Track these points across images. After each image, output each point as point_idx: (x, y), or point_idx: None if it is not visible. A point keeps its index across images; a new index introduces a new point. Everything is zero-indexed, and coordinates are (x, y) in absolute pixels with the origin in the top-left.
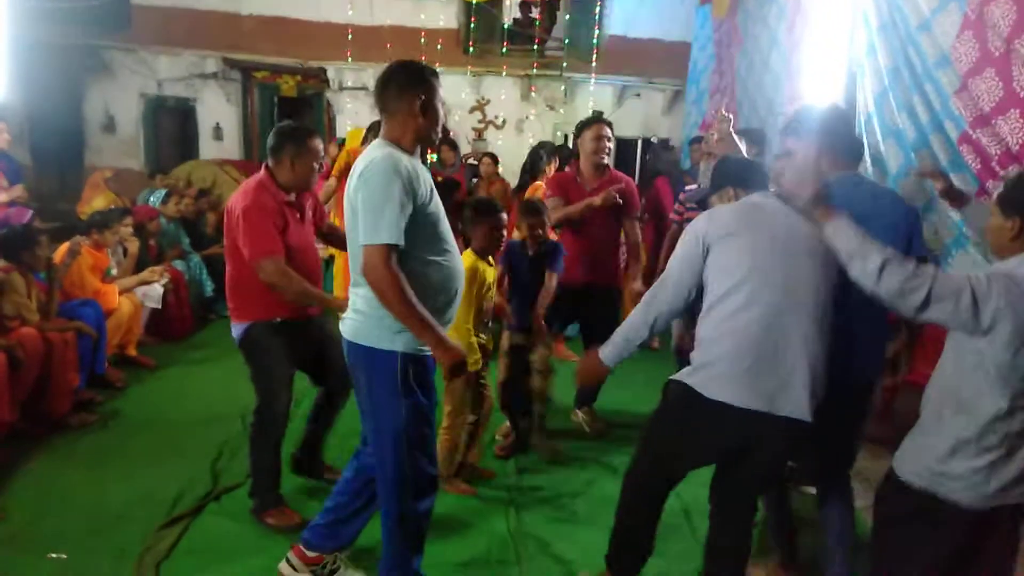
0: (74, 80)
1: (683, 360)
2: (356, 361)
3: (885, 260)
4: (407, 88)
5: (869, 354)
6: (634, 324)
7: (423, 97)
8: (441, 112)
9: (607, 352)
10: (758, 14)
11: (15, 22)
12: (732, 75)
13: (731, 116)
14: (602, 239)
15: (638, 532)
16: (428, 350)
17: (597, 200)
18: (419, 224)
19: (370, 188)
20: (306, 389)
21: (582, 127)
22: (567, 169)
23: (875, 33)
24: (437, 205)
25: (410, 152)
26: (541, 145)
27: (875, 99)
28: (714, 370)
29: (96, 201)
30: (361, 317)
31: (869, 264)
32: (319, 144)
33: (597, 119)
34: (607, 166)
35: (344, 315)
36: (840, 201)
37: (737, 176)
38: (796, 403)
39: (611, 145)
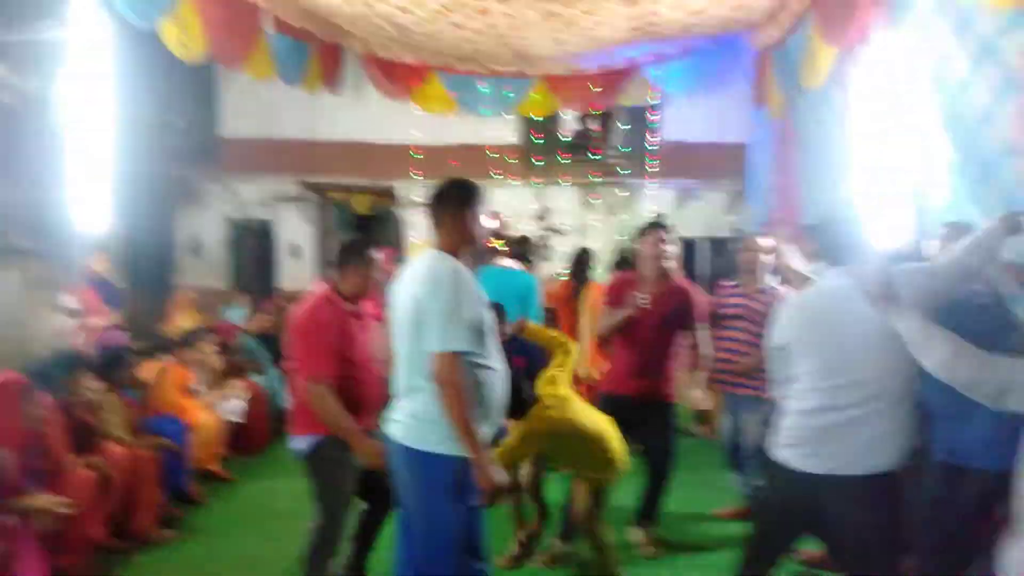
0: (167, 208)
1: (736, 456)
2: (409, 465)
3: (953, 351)
4: (460, 202)
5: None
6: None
7: (471, 210)
8: (482, 227)
9: None
10: (814, 114)
11: (118, 158)
12: (793, 173)
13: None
14: (654, 350)
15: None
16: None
17: (623, 312)
18: (477, 330)
19: (441, 297)
20: None
21: (641, 232)
22: (628, 273)
23: (939, 128)
24: (487, 313)
25: (462, 260)
26: (584, 251)
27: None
28: (795, 443)
29: (181, 320)
30: (415, 422)
31: (935, 355)
32: (379, 255)
33: (655, 224)
34: (669, 273)
35: (392, 418)
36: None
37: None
38: (857, 461)
39: (672, 248)
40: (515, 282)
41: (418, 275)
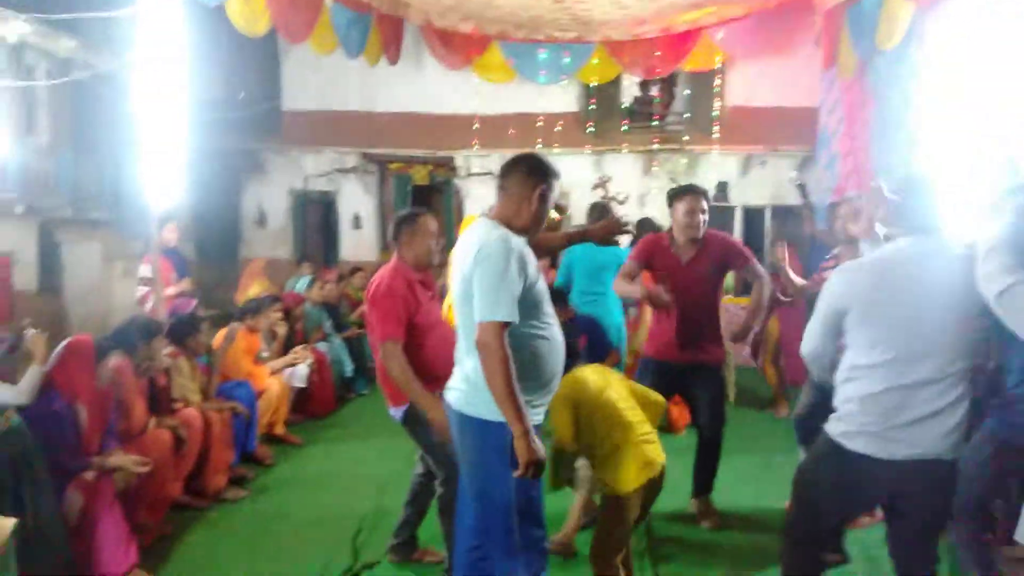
0: (232, 181)
1: (805, 429)
2: (464, 430)
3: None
4: (532, 175)
5: None
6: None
7: (543, 188)
8: (548, 211)
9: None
10: (889, 74)
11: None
12: (865, 137)
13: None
14: (695, 314)
15: None
16: (537, 420)
17: (645, 295)
18: (528, 301)
19: (487, 267)
20: (394, 473)
21: (673, 196)
22: (661, 235)
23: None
24: (543, 283)
25: (518, 233)
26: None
27: None
28: (851, 423)
29: (252, 289)
30: (470, 387)
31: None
32: (431, 222)
33: (690, 189)
34: (703, 236)
35: (450, 385)
36: None
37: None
38: (930, 444)
39: (705, 217)
40: (605, 255)
41: (469, 244)
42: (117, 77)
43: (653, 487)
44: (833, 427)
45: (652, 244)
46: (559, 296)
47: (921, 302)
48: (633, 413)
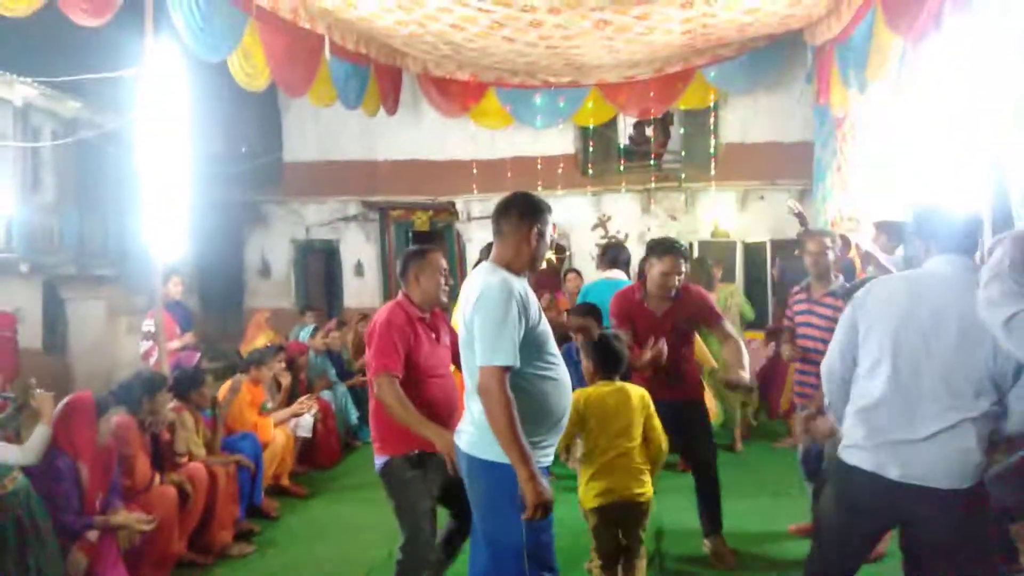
0: (235, 232)
1: (810, 464)
2: (473, 474)
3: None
4: (525, 217)
5: None
6: (826, 393)
7: (538, 227)
8: (547, 246)
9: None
10: (878, 108)
11: (189, 188)
12: (860, 169)
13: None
14: (673, 356)
15: None
16: (545, 462)
17: (645, 362)
18: (533, 343)
19: (487, 312)
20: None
21: (651, 251)
22: (632, 288)
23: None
24: (546, 324)
25: (519, 274)
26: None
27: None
28: (849, 436)
29: (258, 340)
30: (478, 431)
31: (998, 314)
32: (440, 259)
33: (670, 250)
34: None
35: (460, 428)
36: None
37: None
38: (924, 468)
39: (681, 276)
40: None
41: (471, 288)
42: (121, 135)
43: (622, 514)
44: (840, 445)
45: (626, 302)
46: (593, 311)
47: (931, 322)
48: (622, 440)
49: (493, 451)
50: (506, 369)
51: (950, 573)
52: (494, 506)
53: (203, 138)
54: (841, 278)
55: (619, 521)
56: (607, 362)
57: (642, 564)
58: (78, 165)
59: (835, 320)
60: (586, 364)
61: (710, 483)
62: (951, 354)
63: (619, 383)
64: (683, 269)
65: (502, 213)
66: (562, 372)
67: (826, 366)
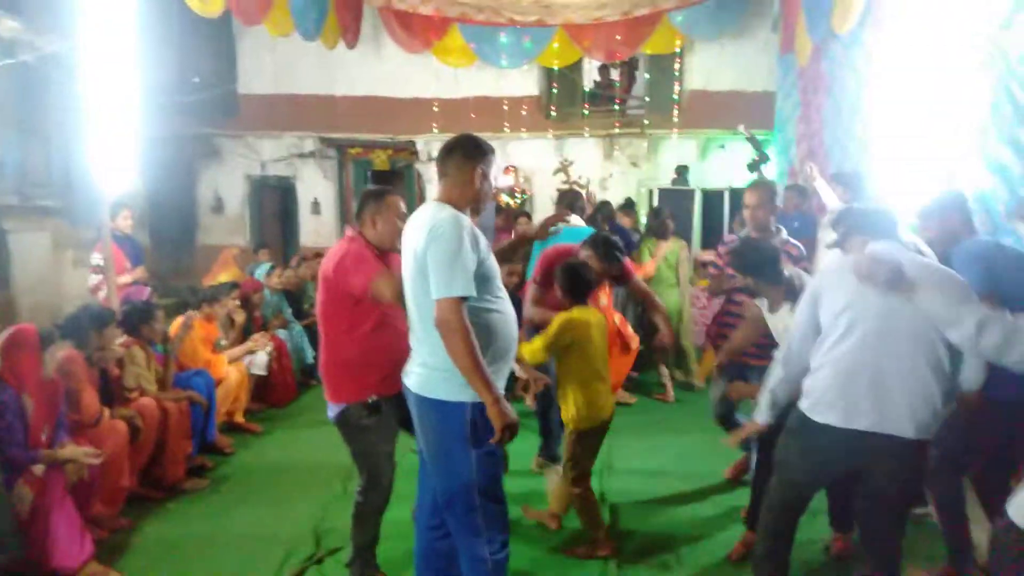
0: (188, 166)
1: (720, 413)
2: (423, 413)
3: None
4: (470, 158)
5: None
6: (775, 379)
7: (481, 168)
8: (491, 186)
9: (763, 416)
10: (844, 59)
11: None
12: (820, 121)
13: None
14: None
15: (776, 556)
16: (500, 391)
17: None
18: (481, 276)
19: (440, 245)
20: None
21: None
22: (568, 249)
23: (973, 69)
24: (493, 260)
25: (463, 212)
26: (605, 203)
27: (978, 134)
28: (818, 396)
29: (221, 277)
30: (426, 370)
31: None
32: (400, 202)
33: (601, 240)
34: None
35: (408, 369)
36: (984, 267)
37: (865, 226)
38: (894, 421)
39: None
40: (575, 238)
41: (419, 225)
42: (65, 59)
43: (601, 433)
44: (803, 402)
45: (553, 264)
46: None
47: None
48: (603, 363)
49: (441, 389)
50: (463, 300)
51: (888, 517)
52: (445, 444)
53: (153, 66)
54: (784, 231)
55: (598, 438)
56: (577, 288)
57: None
58: (19, 89)
59: None
60: (559, 294)
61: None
62: (914, 312)
63: (592, 308)
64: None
65: (447, 154)
66: (507, 306)
67: (783, 359)
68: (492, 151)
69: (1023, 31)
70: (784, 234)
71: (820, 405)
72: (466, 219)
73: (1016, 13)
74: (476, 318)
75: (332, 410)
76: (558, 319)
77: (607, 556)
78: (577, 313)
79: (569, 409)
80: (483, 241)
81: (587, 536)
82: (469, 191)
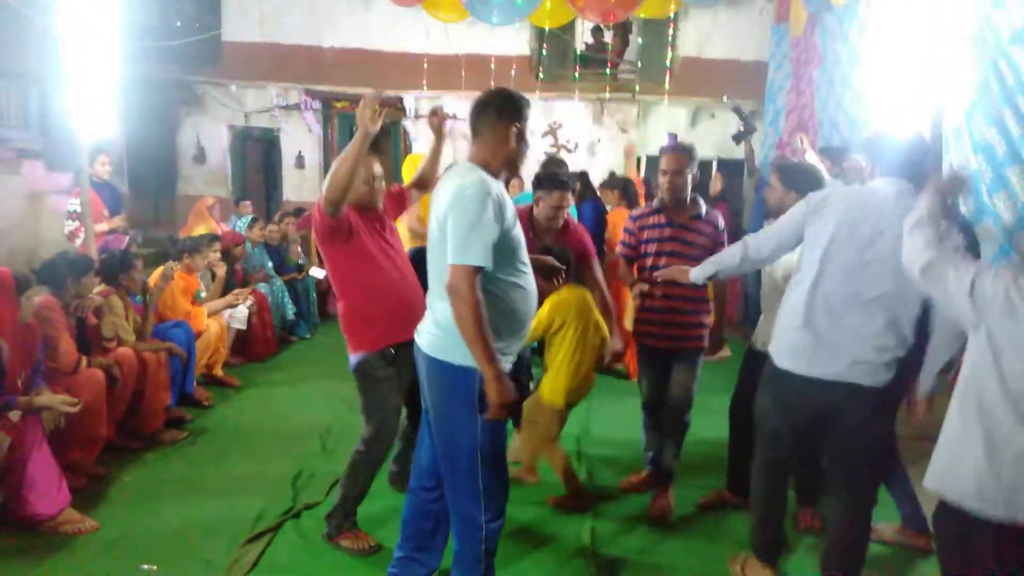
0: (168, 113)
1: (656, 419)
2: (432, 375)
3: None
4: (504, 115)
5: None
6: (730, 254)
7: (517, 126)
8: (528, 146)
9: (696, 272)
10: (838, 30)
11: (118, 62)
12: (811, 93)
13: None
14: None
15: (769, 511)
16: (507, 368)
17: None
18: (505, 248)
19: (462, 210)
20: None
21: (539, 185)
22: (526, 210)
23: (964, 46)
24: (519, 230)
25: (496, 176)
26: (582, 174)
27: (964, 114)
28: (782, 341)
29: (198, 228)
30: (440, 332)
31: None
32: (372, 163)
33: (561, 184)
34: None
35: (421, 328)
36: None
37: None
38: (850, 369)
39: (565, 212)
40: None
41: (446, 186)
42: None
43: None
44: (771, 345)
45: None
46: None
47: (869, 236)
48: (589, 339)
49: (453, 353)
50: (477, 270)
51: (856, 467)
52: (451, 407)
53: (134, 7)
54: (701, 202)
55: (570, 409)
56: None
57: None
58: None
59: (703, 247)
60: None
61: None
62: (884, 266)
63: (580, 287)
64: (570, 201)
65: (479, 111)
66: (530, 280)
67: (745, 246)
68: (527, 105)
69: (1015, 11)
70: (703, 208)
71: (783, 351)
72: (496, 185)
73: None
74: (497, 291)
75: (351, 359)
76: (549, 301)
77: (586, 510)
78: (567, 293)
79: (557, 384)
80: (510, 210)
81: (567, 489)
82: (503, 151)
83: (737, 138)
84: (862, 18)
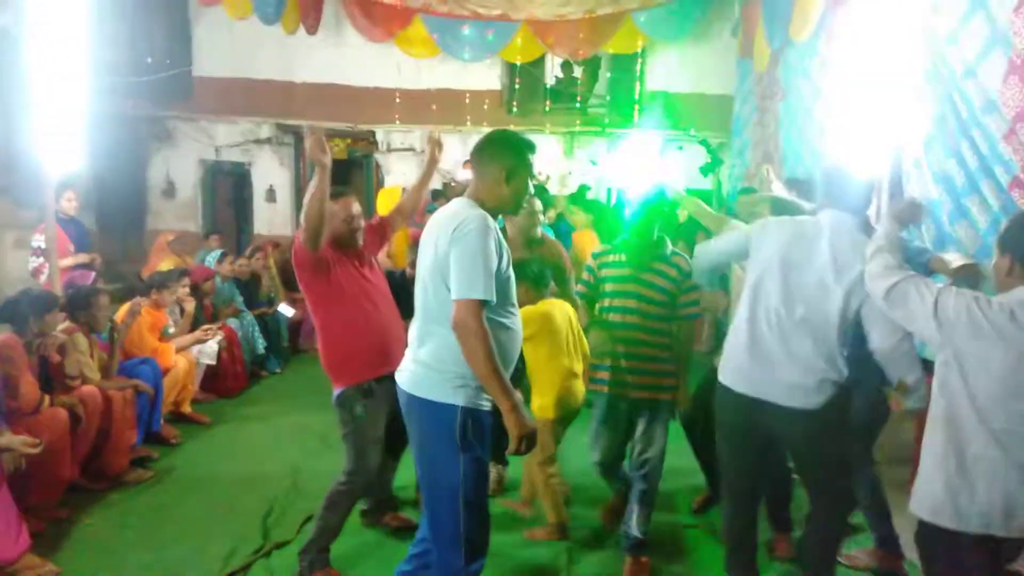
0: (139, 148)
1: (617, 475)
2: (413, 413)
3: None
4: (504, 156)
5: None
6: (700, 255)
7: (512, 167)
8: (528, 189)
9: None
10: (799, 66)
11: (87, 97)
12: (775, 126)
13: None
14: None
15: (740, 540)
16: (486, 406)
17: None
18: (500, 288)
19: (466, 244)
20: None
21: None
22: None
23: (920, 81)
24: (512, 272)
25: (493, 215)
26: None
27: (923, 145)
28: (727, 358)
29: (162, 264)
30: (423, 369)
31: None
32: (350, 204)
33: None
34: None
35: (402, 367)
36: None
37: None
38: (783, 391)
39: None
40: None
41: (443, 221)
42: (10, 32)
43: (570, 419)
44: (720, 362)
45: None
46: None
47: (799, 262)
48: (568, 353)
49: (434, 391)
50: (483, 304)
51: (815, 485)
52: (433, 446)
53: (104, 43)
54: (667, 243)
55: (565, 426)
56: (538, 281)
57: None
58: None
59: (665, 290)
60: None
61: None
62: (810, 292)
63: (553, 300)
64: (541, 219)
65: (479, 151)
66: (517, 322)
67: (698, 257)
68: (531, 150)
69: (968, 47)
70: (668, 248)
71: (728, 372)
72: (494, 223)
73: (961, 30)
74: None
75: (334, 393)
76: (523, 311)
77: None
78: (542, 306)
79: (543, 398)
80: (507, 252)
81: (548, 519)
82: (497, 194)
83: (705, 170)
84: (822, 54)
